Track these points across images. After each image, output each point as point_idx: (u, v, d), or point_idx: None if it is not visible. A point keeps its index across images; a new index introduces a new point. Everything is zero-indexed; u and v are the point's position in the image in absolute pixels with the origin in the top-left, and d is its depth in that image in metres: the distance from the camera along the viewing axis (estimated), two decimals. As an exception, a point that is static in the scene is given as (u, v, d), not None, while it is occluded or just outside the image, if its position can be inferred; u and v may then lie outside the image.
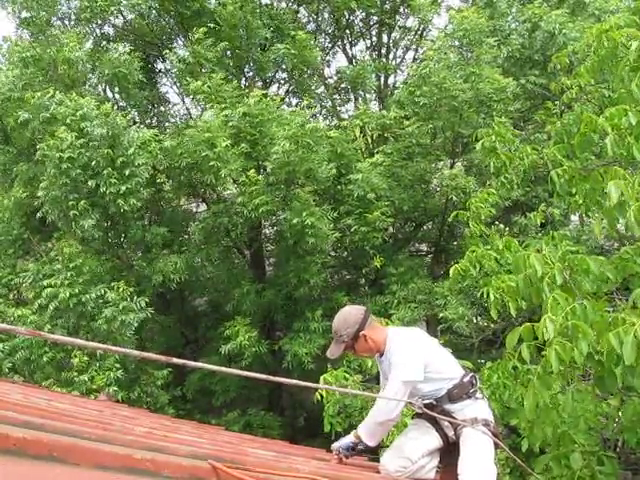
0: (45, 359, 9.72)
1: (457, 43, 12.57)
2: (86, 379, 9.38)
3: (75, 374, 9.50)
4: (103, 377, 9.40)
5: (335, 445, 3.83)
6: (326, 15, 15.17)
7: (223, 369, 2.76)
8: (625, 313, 3.77)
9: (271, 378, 2.88)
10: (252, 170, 11.15)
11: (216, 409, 12.58)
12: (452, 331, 11.06)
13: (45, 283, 10.23)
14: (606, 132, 4.65)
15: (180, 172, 11.96)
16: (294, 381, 3.10)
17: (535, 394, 3.81)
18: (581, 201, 5.25)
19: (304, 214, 10.70)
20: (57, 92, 10.96)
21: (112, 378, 9.48)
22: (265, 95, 11.83)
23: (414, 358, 3.67)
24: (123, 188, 10.54)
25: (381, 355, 3.81)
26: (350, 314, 3.79)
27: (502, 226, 11.36)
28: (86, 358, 9.58)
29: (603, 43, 5.47)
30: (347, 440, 3.76)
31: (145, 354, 2.32)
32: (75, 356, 9.52)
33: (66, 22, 13.53)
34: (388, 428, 3.73)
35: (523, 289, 4.16)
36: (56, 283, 10.14)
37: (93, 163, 10.62)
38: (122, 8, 13.08)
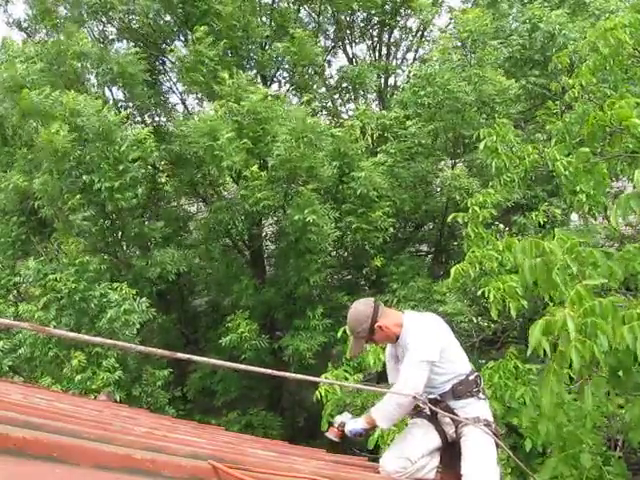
0: (50, 355, 9.71)
1: (459, 44, 12.56)
2: (84, 377, 9.35)
3: (75, 374, 9.48)
4: (102, 377, 9.38)
5: (338, 420, 3.80)
6: (327, 15, 15.17)
7: (227, 364, 2.76)
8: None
9: (275, 372, 2.88)
10: (255, 166, 11.17)
11: (216, 409, 12.57)
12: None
13: (51, 277, 10.23)
14: (613, 125, 4.63)
15: (183, 166, 11.93)
16: (298, 375, 3.11)
17: (551, 391, 3.75)
18: (584, 199, 5.24)
19: (306, 211, 10.72)
20: (56, 90, 10.95)
21: (111, 379, 9.46)
22: (267, 94, 11.82)
23: (430, 339, 3.65)
24: (117, 184, 10.57)
25: (397, 340, 3.77)
26: (359, 311, 3.77)
27: (502, 226, 11.38)
28: (84, 357, 9.55)
29: (607, 41, 5.43)
30: (359, 425, 3.72)
31: (150, 349, 2.32)
32: (75, 357, 9.50)
33: (64, 23, 13.50)
34: (405, 411, 3.67)
35: (529, 277, 4.02)
36: (61, 278, 10.14)
37: (87, 158, 10.65)
38: (130, 7, 13.07)
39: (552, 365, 3.74)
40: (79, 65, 12.10)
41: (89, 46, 11.75)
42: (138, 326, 10.15)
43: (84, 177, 10.65)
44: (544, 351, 3.68)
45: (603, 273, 4.10)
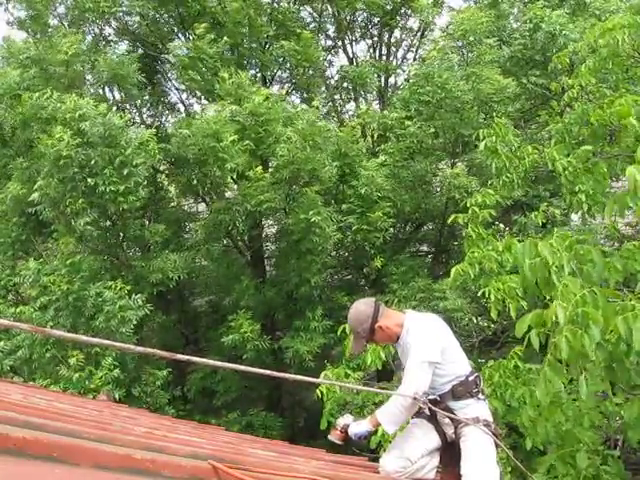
0: (48, 355, 9.70)
1: (458, 43, 12.58)
2: (82, 376, 9.36)
3: (72, 373, 9.48)
4: (100, 376, 9.38)
5: (341, 422, 3.75)
6: (328, 15, 15.17)
7: (226, 364, 2.77)
8: (635, 300, 3.71)
9: (274, 374, 2.89)
10: (259, 167, 11.16)
11: (216, 409, 12.57)
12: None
13: (45, 279, 10.23)
14: (613, 123, 4.63)
15: (183, 167, 11.93)
16: (298, 376, 3.12)
17: (547, 383, 3.72)
18: (584, 199, 5.24)
19: (311, 212, 10.73)
20: (55, 92, 10.91)
21: (110, 378, 9.46)
22: (269, 95, 11.80)
23: (431, 340, 3.64)
24: (122, 188, 10.53)
25: (397, 340, 3.76)
26: (360, 310, 3.76)
27: (502, 226, 11.39)
28: (82, 356, 9.55)
29: (606, 42, 5.44)
30: (363, 428, 3.67)
31: (149, 350, 2.32)
32: (73, 356, 9.50)
33: (64, 22, 13.49)
34: (410, 413, 3.64)
35: (530, 277, 4.02)
36: (55, 280, 10.14)
37: (92, 162, 10.61)
38: (124, 9, 13.04)
39: (548, 357, 3.73)
40: (71, 69, 12.06)
41: (74, 52, 11.67)
42: (135, 322, 10.15)
43: (88, 180, 10.59)
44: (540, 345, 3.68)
45: (600, 271, 4.08)
